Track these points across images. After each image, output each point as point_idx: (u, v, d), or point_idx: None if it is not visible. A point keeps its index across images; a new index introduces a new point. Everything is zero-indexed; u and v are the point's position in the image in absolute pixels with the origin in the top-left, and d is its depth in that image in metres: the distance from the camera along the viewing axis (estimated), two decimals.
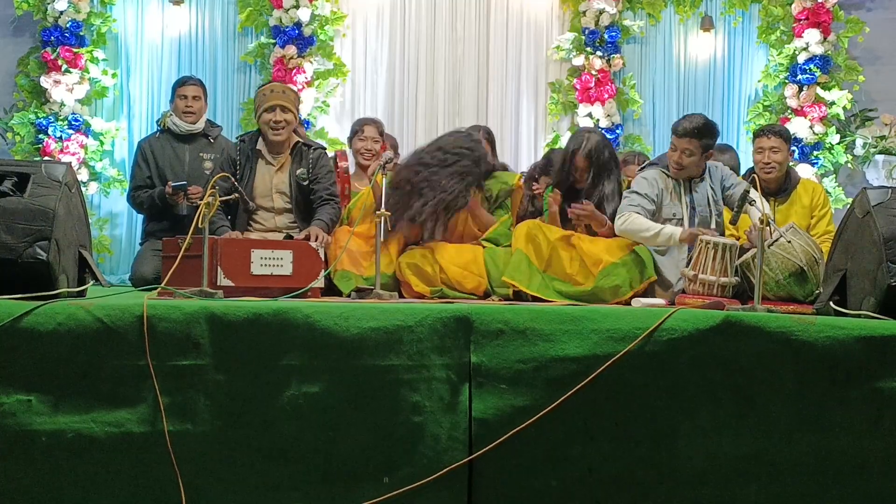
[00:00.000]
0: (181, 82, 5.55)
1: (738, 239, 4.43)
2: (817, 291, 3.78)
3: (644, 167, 4.69)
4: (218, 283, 3.67)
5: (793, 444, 2.80)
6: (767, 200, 4.70)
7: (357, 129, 5.37)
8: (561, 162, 4.69)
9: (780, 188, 4.89)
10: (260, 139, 4.73)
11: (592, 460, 2.80)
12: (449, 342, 2.84)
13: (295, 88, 6.76)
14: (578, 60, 7.13)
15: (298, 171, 4.63)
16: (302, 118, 6.84)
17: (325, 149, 4.90)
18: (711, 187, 4.48)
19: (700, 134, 4.38)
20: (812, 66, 6.96)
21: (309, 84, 6.93)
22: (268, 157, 4.69)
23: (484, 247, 4.56)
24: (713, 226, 4.42)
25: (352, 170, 5.28)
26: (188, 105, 5.45)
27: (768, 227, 3.66)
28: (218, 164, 4.95)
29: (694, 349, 2.81)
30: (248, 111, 6.90)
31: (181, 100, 5.47)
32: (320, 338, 2.79)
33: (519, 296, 4.26)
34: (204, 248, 3.48)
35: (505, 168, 5.04)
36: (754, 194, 3.78)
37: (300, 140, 4.74)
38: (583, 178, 4.60)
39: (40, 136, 6.80)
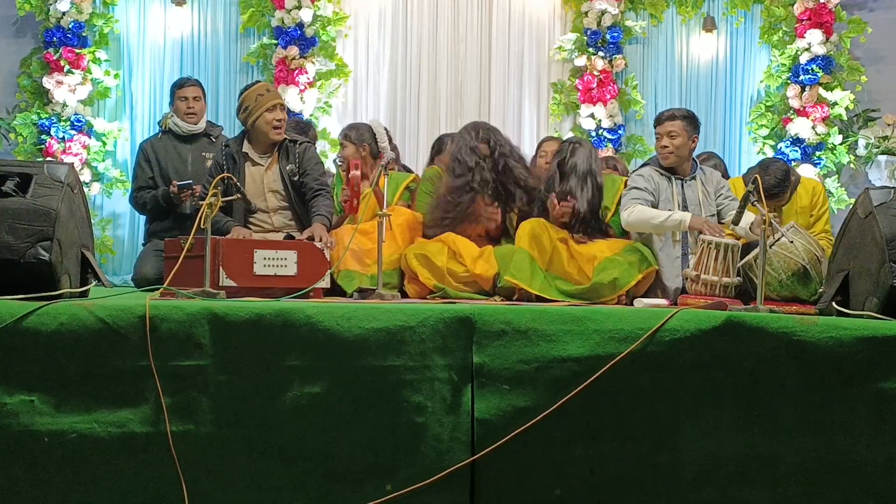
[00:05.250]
0: (180, 84, 5.55)
1: (738, 239, 4.44)
2: (820, 290, 3.78)
3: (639, 167, 4.74)
4: (220, 284, 3.67)
5: (795, 445, 2.80)
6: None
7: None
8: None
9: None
10: (245, 142, 4.69)
11: (594, 461, 2.80)
12: (451, 343, 2.84)
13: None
14: (580, 61, 7.13)
15: (288, 168, 4.62)
16: (304, 119, 6.87)
17: (310, 142, 4.90)
18: (704, 188, 4.51)
19: (680, 116, 4.52)
20: (814, 66, 6.95)
21: (311, 85, 6.93)
22: (255, 158, 4.67)
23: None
24: None
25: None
26: (189, 107, 5.46)
27: (770, 227, 3.66)
28: (207, 172, 4.94)
29: (696, 350, 2.81)
30: None
31: (182, 101, 5.47)
32: (322, 338, 2.80)
33: (523, 296, 4.26)
34: (206, 249, 3.48)
35: None
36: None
37: (285, 136, 4.72)
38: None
39: (43, 136, 6.81)
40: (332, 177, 5.17)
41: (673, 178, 4.50)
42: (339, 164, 5.11)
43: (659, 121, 4.56)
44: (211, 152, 5.39)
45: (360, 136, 5.05)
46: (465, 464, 2.79)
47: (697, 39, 7.30)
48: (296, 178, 4.62)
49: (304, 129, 5.72)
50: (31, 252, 2.96)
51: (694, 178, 4.53)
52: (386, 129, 5.26)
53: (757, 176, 4.12)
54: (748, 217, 4.11)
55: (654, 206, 4.43)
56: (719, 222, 4.47)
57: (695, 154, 4.72)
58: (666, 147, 4.49)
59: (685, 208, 4.43)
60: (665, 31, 7.34)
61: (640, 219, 4.34)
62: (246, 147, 4.67)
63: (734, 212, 3.78)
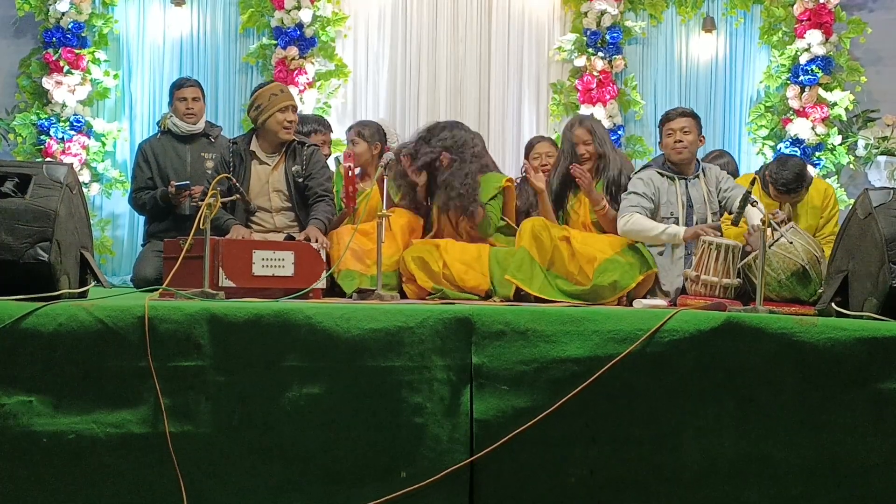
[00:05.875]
0: (179, 84, 5.56)
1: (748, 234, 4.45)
2: (820, 291, 3.78)
3: (640, 169, 4.74)
4: (219, 284, 3.67)
5: (794, 446, 2.80)
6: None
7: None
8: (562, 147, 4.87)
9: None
10: (253, 140, 4.72)
11: (594, 462, 2.80)
12: (450, 343, 2.84)
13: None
14: (580, 61, 7.12)
15: (294, 169, 4.64)
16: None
17: (318, 146, 4.91)
18: (707, 187, 4.52)
19: (690, 114, 4.59)
20: (814, 66, 6.94)
21: (311, 85, 6.92)
22: (262, 157, 4.69)
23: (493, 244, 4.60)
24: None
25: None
26: (189, 107, 5.47)
27: (769, 228, 3.66)
28: (213, 168, 4.97)
29: (696, 350, 2.81)
30: None
31: (181, 102, 5.48)
32: (321, 339, 2.79)
33: (521, 296, 4.27)
34: (205, 249, 3.48)
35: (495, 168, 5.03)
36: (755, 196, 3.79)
37: (294, 138, 4.74)
38: (589, 151, 4.73)
39: (42, 137, 6.80)
40: (333, 175, 5.17)
41: (677, 179, 4.50)
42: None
43: (669, 118, 4.59)
44: (210, 153, 5.40)
45: (372, 135, 5.11)
46: (465, 464, 2.78)
47: (697, 40, 7.29)
48: (300, 180, 4.63)
49: (323, 122, 5.70)
50: (30, 252, 2.96)
51: (697, 177, 4.54)
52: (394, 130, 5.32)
53: (756, 177, 4.13)
54: (756, 214, 4.11)
55: (655, 210, 4.43)
56: (729, 213, 4.49)
57: (705, 152, 4.74)
58: (680, 142, 4.50)
59: (689, 208, 4.44)
60: (664, 32, 7.33)
61: (635, 229, 4.37)
62: (254, 145, 4.70)
63: (735, 212, 3.78)
